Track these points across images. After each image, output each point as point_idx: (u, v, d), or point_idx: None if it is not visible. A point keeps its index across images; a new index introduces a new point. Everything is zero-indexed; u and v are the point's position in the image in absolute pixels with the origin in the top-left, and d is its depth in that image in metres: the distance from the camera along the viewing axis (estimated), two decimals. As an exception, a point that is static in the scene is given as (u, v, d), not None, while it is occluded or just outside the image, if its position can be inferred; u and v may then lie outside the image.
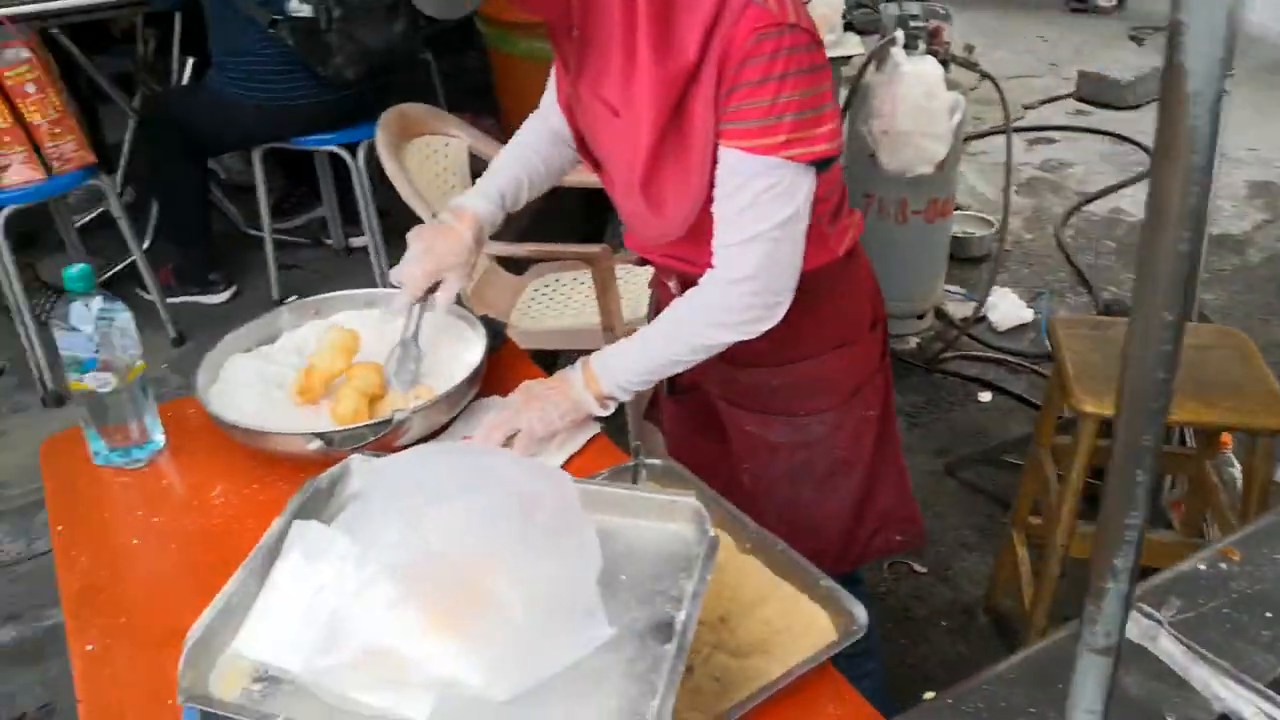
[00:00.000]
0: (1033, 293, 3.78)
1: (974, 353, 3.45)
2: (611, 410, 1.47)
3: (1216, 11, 0.73)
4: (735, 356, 1.45)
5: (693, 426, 1.66)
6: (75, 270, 1.46)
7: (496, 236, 2.46)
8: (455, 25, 5.64)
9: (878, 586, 2.51)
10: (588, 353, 1.47)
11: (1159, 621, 0.97)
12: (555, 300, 2.78)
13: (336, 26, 3.10)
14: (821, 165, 1.28)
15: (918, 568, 2.59)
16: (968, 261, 3.95)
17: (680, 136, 1.27)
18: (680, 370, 1.43)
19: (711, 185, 1.29)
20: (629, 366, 1.42)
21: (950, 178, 3.31)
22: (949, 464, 2.93)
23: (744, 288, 1.31)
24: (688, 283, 1.41)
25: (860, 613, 1.11)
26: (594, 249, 2.31)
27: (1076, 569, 2.05)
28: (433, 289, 1.55)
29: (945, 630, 2.44)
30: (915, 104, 3.01)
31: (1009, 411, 3.19)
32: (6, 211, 2.93)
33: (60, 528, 1.46)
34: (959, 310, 3.65)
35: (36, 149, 2.94)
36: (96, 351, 1.47)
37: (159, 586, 1.35)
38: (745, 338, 1.35)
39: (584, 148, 1.46)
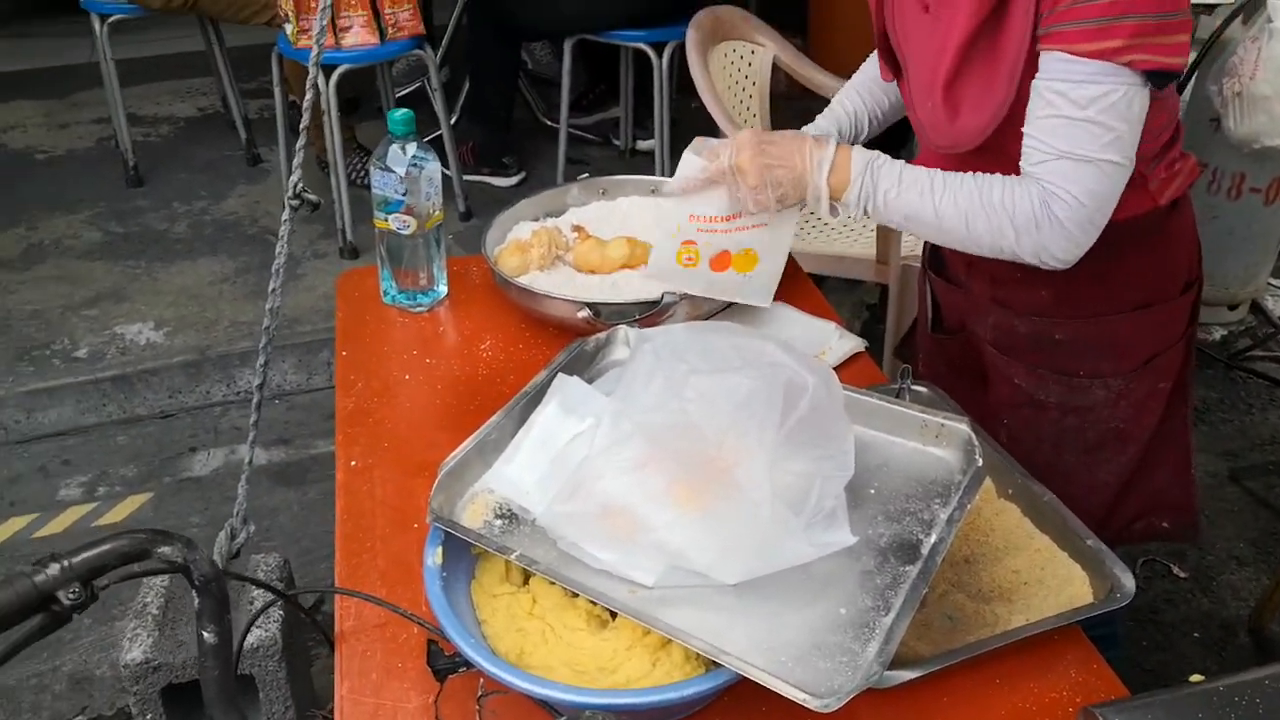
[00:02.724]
0: (1376, 303, 3.33)
1: (1289, 356, 3.09)
2: (825, 212, 1.26)
3: None
4: (1014, 302, 1.33)
5: (951, 368, 1.53)
6: (399, 114, 1.53)
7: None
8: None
9: (1129, 581, 2.33)
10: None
11: None
12: (830, 225, 2.70)
13: (662, -77, 3.11)
14: (1161, 82, 1.13)
15: (1178, 571, 2.37)
16: (1301, 257, 3.52)
17: (993, 38, 1.16)
18: (939, 241, 1.25)
19: (1016, 99, 1.17)
20: (897, 194, 1.22)
21: (1303, 158, 2.93)
22: (1235, 470, 2.67)
23: (1065, 210, 1.15)
24: None
25: (1128, 580, 1.01)
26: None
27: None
28: None
29: (1195, 642, 2.23)
30: (1281, 68, 2.66)
31: (1318, 426, 2.85)
32: (341, 69, 3.14)
33: (345, 352, 1.58)
34: (1279, 307, 3.27)
35: (376, 15, 3.14)
36: (404, 194, 1.56)
37: (421, 420, 1.43)
38: (1029, 260, 1.19)
39: (886, 49, 1.36)
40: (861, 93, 1.53)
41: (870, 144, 1.34)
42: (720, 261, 1.40)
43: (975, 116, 1.22)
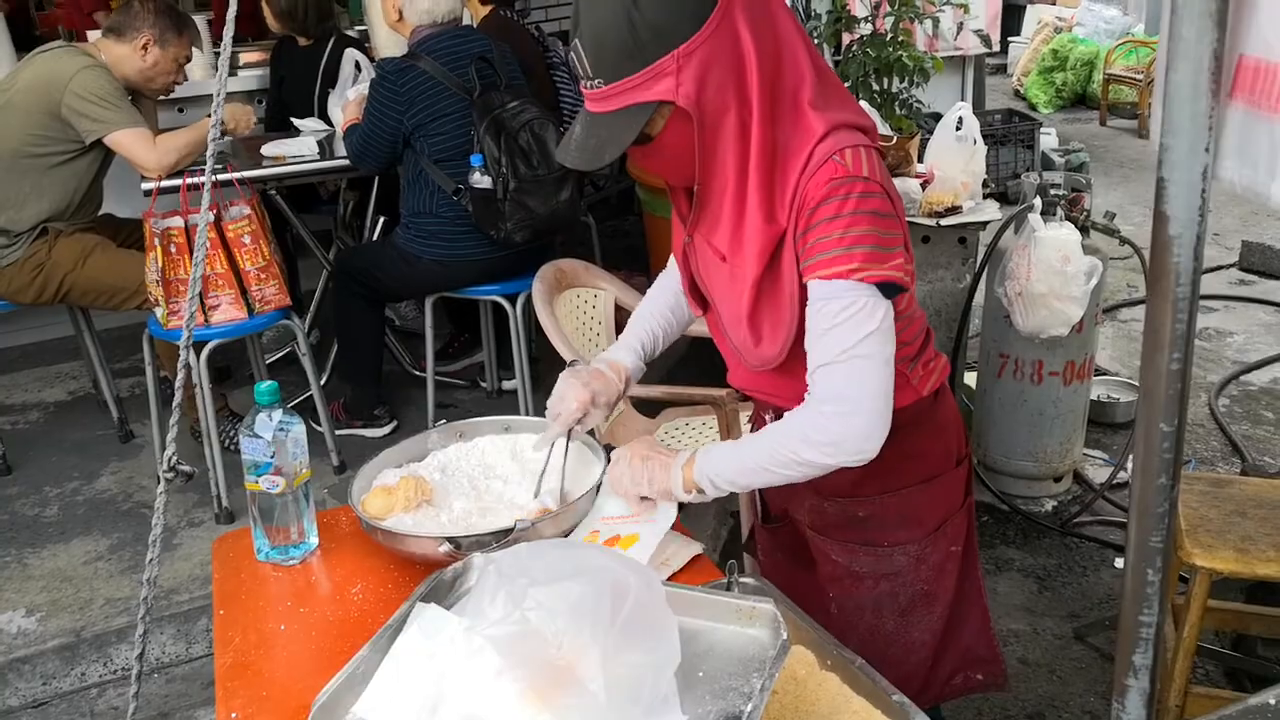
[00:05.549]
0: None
1: (1113, 518, 3.37)
2: (695, 499, 1.54)
3: (1193, 169, 0.85)
4: (823, 487, 1.54)
5: (785, 554, 1.74)
6: (265, 385, 1.70)
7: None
8: (617, 193, 6.09)
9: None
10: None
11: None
12: (683, 441, 2.92)
13: (510, 197, 3.45)
14: (891, 291, 1.38)
15: (1039, 733, 2.51)
16: (1112, 427, 3.89)
17: (775, 276, 1.43)
18: (771, 482, 1.49)
19: (800, 324, 1.42)
20: (725, 462, 1.50)
21: (1088, 341, 3.32)
22: (1078, 629, 2.87)
23: (831, 408, 1.39)
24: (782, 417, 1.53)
25: (925, 726, 1.16)
26: (719, 392, 2.45)
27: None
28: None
29: (1066, 800, 2.35)
30: (1050, 268, 3.08)
31: (1149, 580, 3.09)
32: (211, 346, 3.30)
33: (222, 611, 1.66)
34: (1098, 475, 3.59)
35: (244, 292, 3.34)
36: (272, 457, 1.69)
37: (298, 667, 1.52)
38: (832, 461, 1.42)
39: (694, 291, 1.61)
40: (656, 319, 1.81)
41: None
42: (609, 544, 1.62)
43: (773, 339, 1.48)
